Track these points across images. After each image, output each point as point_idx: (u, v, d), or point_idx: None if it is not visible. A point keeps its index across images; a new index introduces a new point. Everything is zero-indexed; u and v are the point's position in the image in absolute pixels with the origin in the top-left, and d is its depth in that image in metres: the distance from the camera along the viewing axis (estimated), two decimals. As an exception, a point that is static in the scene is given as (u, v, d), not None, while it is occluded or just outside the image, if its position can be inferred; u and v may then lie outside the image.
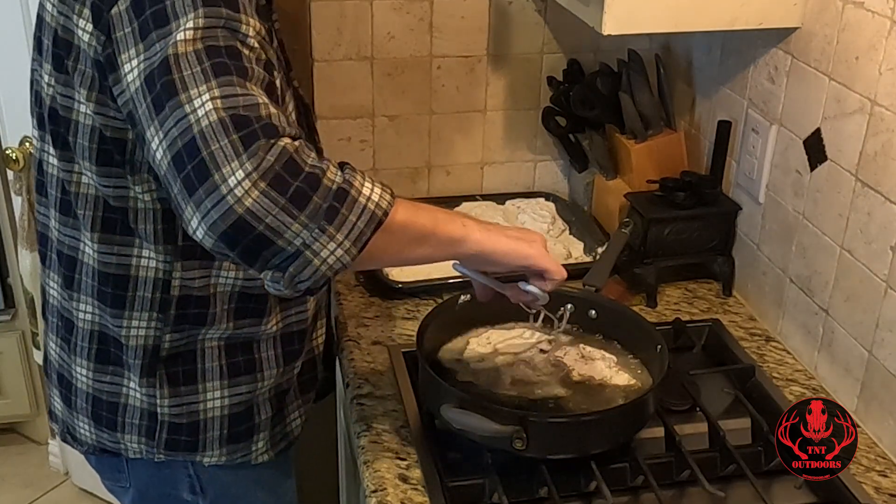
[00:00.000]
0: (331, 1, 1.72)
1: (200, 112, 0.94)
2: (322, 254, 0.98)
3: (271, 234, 0.95)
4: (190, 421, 1.25)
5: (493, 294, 1.26)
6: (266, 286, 1.02)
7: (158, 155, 0.96)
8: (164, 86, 0.95)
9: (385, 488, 1.19)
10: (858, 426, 1.30)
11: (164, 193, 1.04)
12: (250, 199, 0.93)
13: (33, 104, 1.21)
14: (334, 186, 0.97)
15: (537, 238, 1.21)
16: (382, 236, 1.01)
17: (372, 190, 1.01)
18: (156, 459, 1.28)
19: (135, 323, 1.20)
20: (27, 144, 2.13)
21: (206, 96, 0.94)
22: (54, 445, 2.73)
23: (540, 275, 1.21)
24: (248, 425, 1.29)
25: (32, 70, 1.21)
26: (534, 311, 1.34)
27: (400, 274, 1.64)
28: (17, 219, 2.35)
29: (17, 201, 2.30)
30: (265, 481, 1.36)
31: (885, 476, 1.24)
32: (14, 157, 2.15)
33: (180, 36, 0.96)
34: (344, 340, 1.51)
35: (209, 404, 1.25)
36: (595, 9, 1.34)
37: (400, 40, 1.77)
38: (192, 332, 1.22)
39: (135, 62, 0.99)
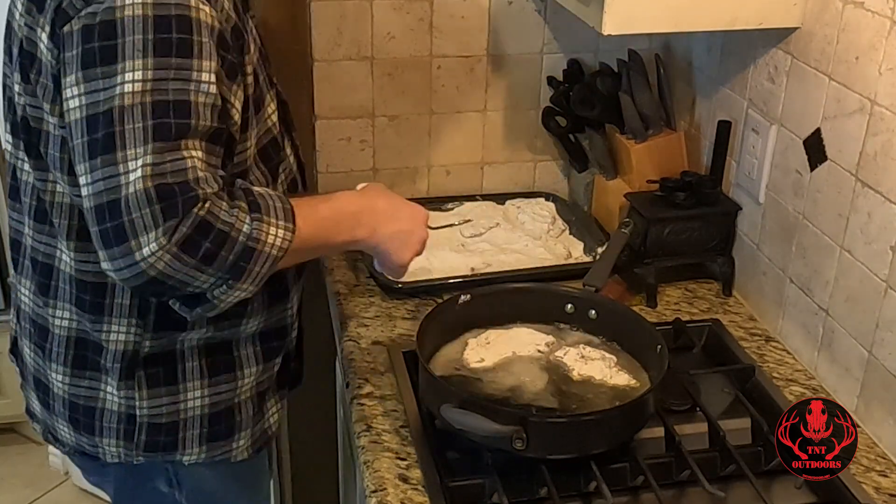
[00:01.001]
0: (331, 1, 1.72)
1: (132, 177, 0.99)
2: (226, 298, 1.08)
3: (180, 286, 1.04)
4: (169, 421, 1.25)
5: None
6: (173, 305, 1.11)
7: (84, 192, 1.02)
8: (104, 137, 0.99)
9: (385, 488, 1.19)
10: (858, 426, 1.30)
11: None
12: (162, 264, 1.00)
13: (6, 110, 1.20)
14: (241, 239, 1.04)
15: (415, 244, 1.30)
16: (284, 261, 1.11)
17: (276, 235, 1.08)
18: (134, 462, 1.28)
19: (114, 328, 1.20)
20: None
21: (139, 161, 0.99)
22: (54, 445, 2.74)
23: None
24: (229, 424, 1.30)
25: (4, 75, 1.21)
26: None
27: (400, 274, 1.64)
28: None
29: (17, 201, 2.29)
30: (241, 477, 1.37)
31: (885, 476, 1.24)
32: (14, 157, 2.15)
33: (128, 87, 0.98)
34: (344, 340, 1.50)
35: (189, 403, 1.25)
36: (595, 9, 1.34)
37: (400, 40, 1.77)
38: (173, 336, 1.22)
39: (75, 90, 1.01)
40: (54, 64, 1.05)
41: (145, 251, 0.99)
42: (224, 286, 1.06)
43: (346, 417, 1.50)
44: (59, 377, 1.25)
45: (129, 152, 0.98)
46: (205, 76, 1.03)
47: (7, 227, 2.26)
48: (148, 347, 1.22)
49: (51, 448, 2.75)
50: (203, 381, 1.25)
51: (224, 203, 1.04)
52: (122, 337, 1.20)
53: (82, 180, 1.01)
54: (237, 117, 1.14)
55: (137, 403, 1.24)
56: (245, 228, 1.04)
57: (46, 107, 1.10)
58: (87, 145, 1.00)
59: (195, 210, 1.00)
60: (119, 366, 1.21)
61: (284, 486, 2.14)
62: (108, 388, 1.24)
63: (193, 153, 1.02)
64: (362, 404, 1.35)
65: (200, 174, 1.02)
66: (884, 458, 1.27)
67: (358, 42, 1.76)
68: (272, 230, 1.07)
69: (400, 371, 1.40)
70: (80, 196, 1.12)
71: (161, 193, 0.99)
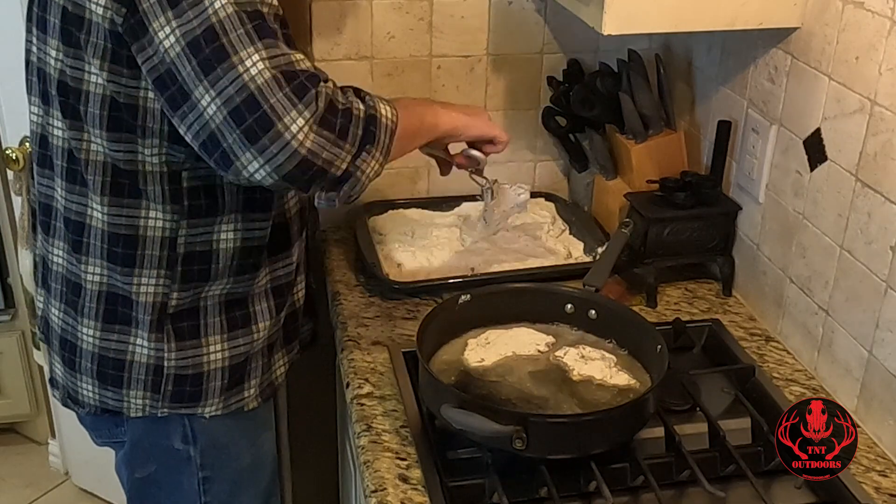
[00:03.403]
0: (331, 1, 1.72)
1: (253, 71, 1.08)
2: (367, 171, 1.18)
3: (327, 165, 1.13)
4: (195, 372, 1.33)
5: (451, 166, 1.49)
6: (317, 204, 1.20)
7: (211, 110, 1.08)
8: (214, 50, 1.07)
9: (385, 488, 1.19)
10: (858, 426, 1.30)
11: (174, 157, 1.20)
12: (310, 141, 1.10)
13: (35, 81, 1.28)
14: (363, 115, 1.17)
15: (481, 111, 1.47)
16: (396, 142, 1.22)
17: (386, 109, 1.21)
18: (159, 414, 1.34)
19: (144, 280, 1.28)
20: (27, 144, 2.13)
21: (256, 57, 1.08)
22: (54, 445, 2.73)
23: (490, 141, 1.44)
24: (243, 373, 1.37)
25: (30, 51, 1.28)
26: (482, 186, 1.59)
27: (400, 274, 1.64)
28: (17, 219, 2.35)
29: (17, 201, 2.29)
30: (248, 432, 1.45)
31: (885, 476, 1.24)
32: (14, 157, 2.15)
33: (217, 5, 1.07)
34: (344, 340, 1.51)
35: (212, 357, 1.33)
36: (595, 9, 1.34)
37: (400, 40, 1.77)
38: (197, 289, 1.30)
39: (168, 29, 1.08)
40: (118, 21, 1.11)
41: (293, 128, 1.08)
42: (364, 153, 1.16)
43: (346, 417, 1.50)
44: (90, 332, 1.32)
45: (242, 54, 1.08)
46: None
47: (9, 230, 2.26)
48: (175, 300, 1.29)
49: (51, 448, 2.76)
50: (223, 336, 1.33)
51: (339, 90, 1.16)
52: (150, 289, 1.28)
53: (205, 100, 1.08)
54: None
55: (166, 355, 1.31)
56: (361, 106, 1.17)
57: (95, 64, 1.16)
58: (199, 66, 1.08)
59: (321, 88, 1.11)
60: (149, 318, 1.29)
61: (284, 486, 2.13)
62: (139, 341, 1.31)
63: (291, 52, 1.12)
64: (362, 404, 1.36)
65: (306, 64, 1.13)
66: (884, 458, 1.27)
67: (358, 42, 1.76)
68: (381, 107, 1.20)
69: (400, 371, 1.40)
70: (116, 151, 1.21)
71: (287, 77, 1.09)
